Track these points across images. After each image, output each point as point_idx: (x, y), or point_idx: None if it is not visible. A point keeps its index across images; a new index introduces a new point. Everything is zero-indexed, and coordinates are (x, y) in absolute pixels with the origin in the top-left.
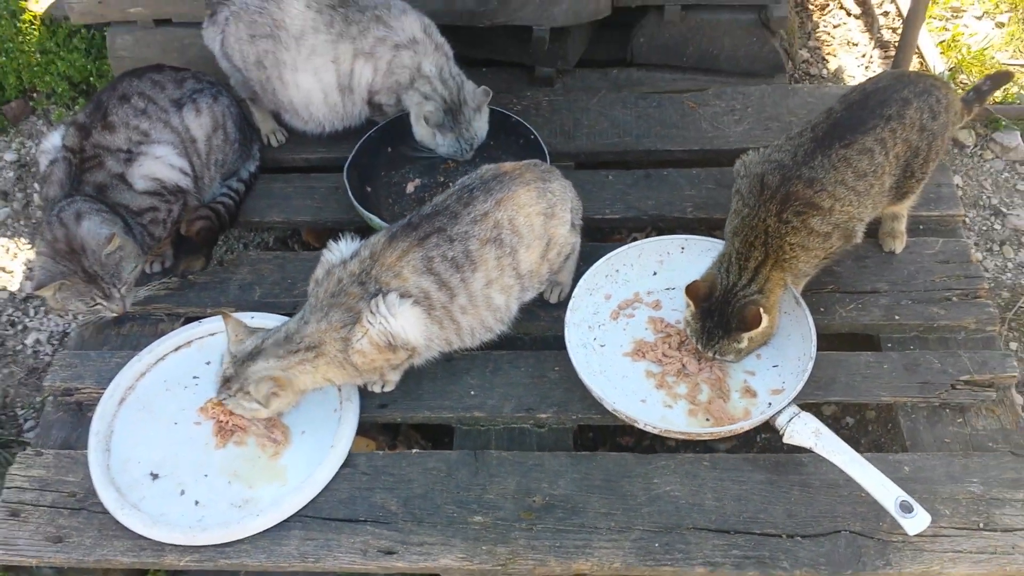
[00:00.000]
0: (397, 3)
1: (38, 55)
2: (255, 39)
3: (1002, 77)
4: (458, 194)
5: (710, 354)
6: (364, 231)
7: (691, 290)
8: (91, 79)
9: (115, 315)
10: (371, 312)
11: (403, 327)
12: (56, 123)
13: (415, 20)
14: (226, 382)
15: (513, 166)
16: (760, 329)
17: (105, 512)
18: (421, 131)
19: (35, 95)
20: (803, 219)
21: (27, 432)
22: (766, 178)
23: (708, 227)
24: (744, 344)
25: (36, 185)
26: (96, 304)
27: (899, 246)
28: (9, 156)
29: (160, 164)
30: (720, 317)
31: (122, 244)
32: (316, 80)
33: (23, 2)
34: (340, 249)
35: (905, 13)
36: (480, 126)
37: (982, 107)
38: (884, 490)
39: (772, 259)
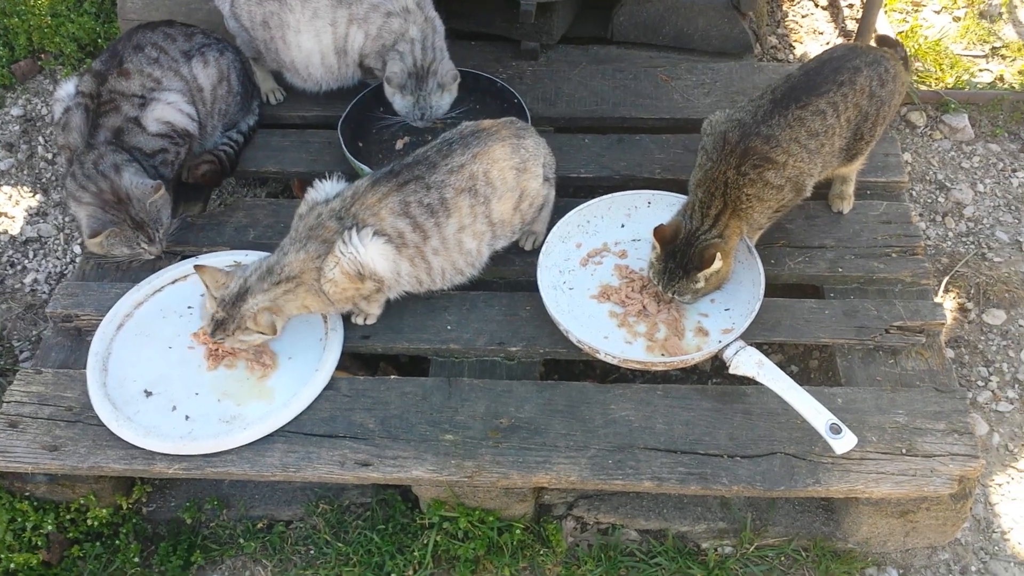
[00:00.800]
0: None
1: (49, 18)
2: (263, 1)
3: (884, 39)
4: (438, 146)
5: (669, 294)
6: (354, 180)
7: (658, 232)
8: (99, 41)
9: (152, 257)
10: (343, 243)
11: (372, 259)
12: (66, 77)
13: None
14: (220, 325)
15: (491, 123)
16: (714, 269)
17: (100, 424)
18: (386, 88)
19: (43, 55)
20: (759, 172)
21: (23, 363)
22: (728, 135)
23: (675, 187)
24: (700, 284)
25: (52, 131)
26: (139, 248)
27: (847, 207)
28: (16, 111)
29: (171, 109)
30: (681, 258)
31: (164, 192)
32: (316, 42)
33: None
34: (325, 189)
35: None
36: (440, 102)
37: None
38: (816, 413)
39: (731, 208)
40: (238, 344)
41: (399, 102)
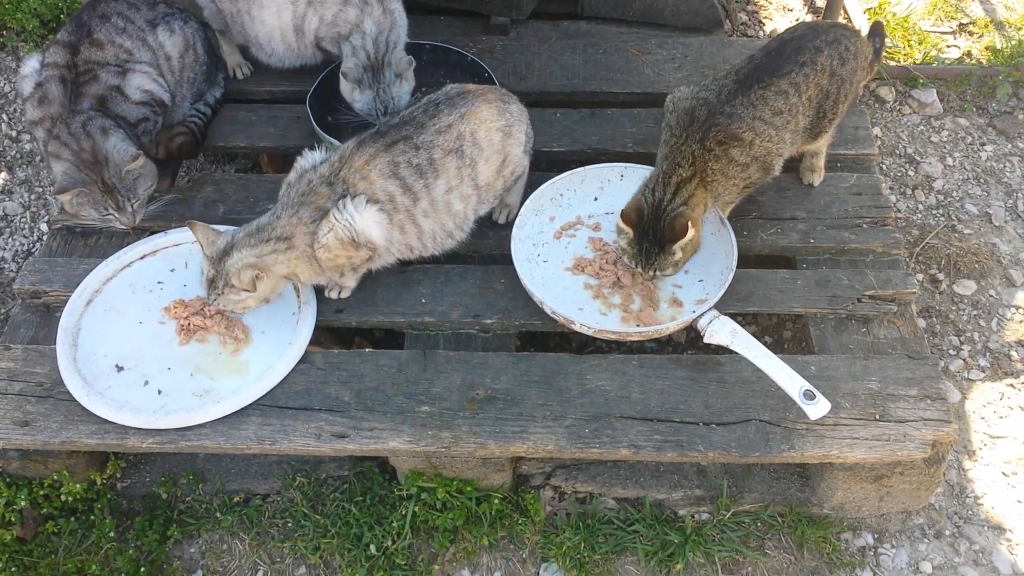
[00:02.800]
0: None
1: None
2: None
3: (876, 27)
4: (424, 107)
5: (651, 273)
6: None
7: (625, 216)
8: (61, 17)
9: (124, 227)
10: (338, 210)
11: (367, 226)
12: (28, 53)
13: None
14: (211, 284)
15: (476, 86)
16: (689, 237)
17: (71, 400)
18: (343, 84)
19: (4, 32)
20: (724, 148)
21: None
22: (695, 112)
23: (647, 160)
24: (679, 256)
25: (20, 108)
26: (108, 214)
27: (817, 180)
28: None
29: (147, 78)
30: (653, 235)
31: (144, 163)
32: (277, 18)
33: None
34: (312, 156)
35: None
36: (399, 93)
37: (879, 61)
38: (790, 380)
39: (697, 178)
40: (231, 306)
41: (359, 98)
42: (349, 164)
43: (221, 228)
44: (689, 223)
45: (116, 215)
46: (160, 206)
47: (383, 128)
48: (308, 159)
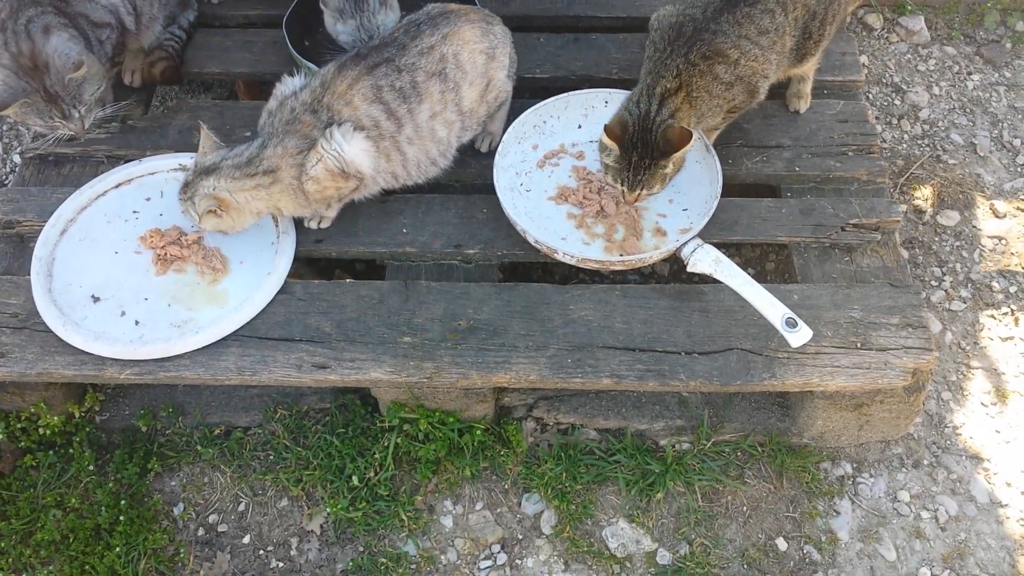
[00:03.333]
0: None
1: None
2: None
3: None
4: (405, 27)
5: (638, 191)
6: None
7: (609, 130)
8: None
9: (72, 134)
10: (326, 140)
11: (355, 155)
12: None
13: None
14: (185, 187)
15: (458, 6)
16: (689, 146)
17: (47, 331)
18: (326, 18)
19: None
20: (709, 64)
21: None
22: (682, 27)
23: (633, 87)
24: (669, 169)
25: None
26: (55, 122)
27: (803, 106)
28: None
29: None
30: (644, 147)
31: (88, 66)
32: None
33: None
34: (292, 83)
35: None
36: (386, 20)
37: None
38: (772, 308)
39: (683, 92)
40: (190, 218)
41: (341, 28)
42: (332, 89)
43: (190, 156)
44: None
45: (63, 123)
46: (113, 110)
47: (363, 50)
48: (288, 85)
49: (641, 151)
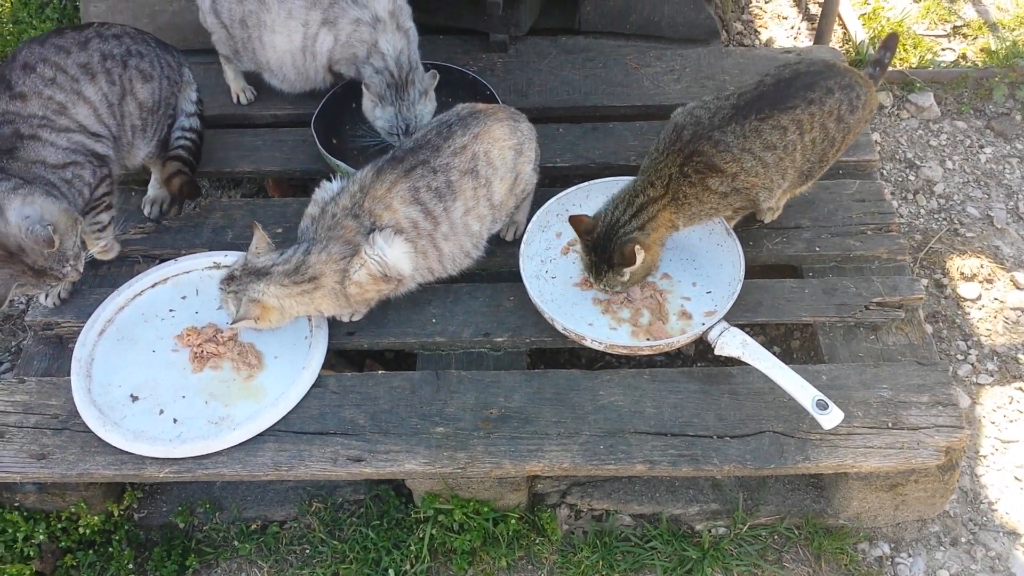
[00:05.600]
0: None
1: (11, 24)
2: (243, 0)
3: (891, 39)
4: (437, 129)
5: (600, 286)
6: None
7: (574, 220)
8: None
9: (75, 279)
10: (369, 246)
11: (397, 259)
12: None
13: (387, 1)
14: (230, 279)
15: (486, 105)
16: (638, 265)
17: (87, 431)
18: (365, 102)
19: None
20: (702, 178)
21: (3, 374)
22: (683, 131)
23: None
24: (627, 278)
25: None
26: (52, 286)
27: (769, 218)
28: None
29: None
30: (601, 253)
31: (59, 232)
32: (288, 42)
33: None
34: (330, 187)
35: None
36: (423, 111)
37: (884, 74)
38: (802, 391)
39: (667, 199)
40: (226, 308)
41: (380, 115)
42: (371, 194)
43: (224, 255)
44: (638, 249)
45: (61, 280)
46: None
47: (399, 153)
48: (327, 190)
49: (599, 255)
